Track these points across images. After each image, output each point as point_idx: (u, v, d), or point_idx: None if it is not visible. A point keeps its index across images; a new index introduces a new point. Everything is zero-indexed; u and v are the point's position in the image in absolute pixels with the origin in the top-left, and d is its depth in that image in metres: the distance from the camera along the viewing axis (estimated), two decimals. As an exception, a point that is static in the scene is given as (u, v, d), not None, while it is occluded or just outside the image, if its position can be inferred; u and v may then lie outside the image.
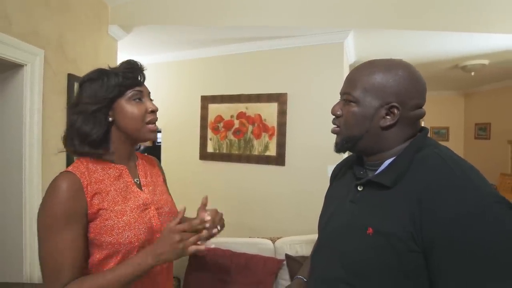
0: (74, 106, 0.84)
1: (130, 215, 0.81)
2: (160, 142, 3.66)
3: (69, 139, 0.83)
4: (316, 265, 0.82)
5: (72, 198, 0.75)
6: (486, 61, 3.45)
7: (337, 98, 0.81)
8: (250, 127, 2.96)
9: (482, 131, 5.33)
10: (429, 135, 0.75)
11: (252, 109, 2.95)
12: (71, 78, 1.95)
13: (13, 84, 1.65)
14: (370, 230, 0.66)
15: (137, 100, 0.86)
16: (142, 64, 0.91)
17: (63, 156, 1.92)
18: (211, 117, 3.14)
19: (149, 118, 0.87)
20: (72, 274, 0.73)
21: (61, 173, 0.79)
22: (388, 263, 0.62)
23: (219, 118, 3.10)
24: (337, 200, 0.82)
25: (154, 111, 0.88)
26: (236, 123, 3.02)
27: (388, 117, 0.70)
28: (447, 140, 5.90)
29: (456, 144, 5.86)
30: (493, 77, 4.53)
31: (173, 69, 3.39)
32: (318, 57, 2.71)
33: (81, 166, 0.81)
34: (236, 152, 3.01)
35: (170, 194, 1.06)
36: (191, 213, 0.98)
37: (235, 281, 1.48)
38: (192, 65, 3.27)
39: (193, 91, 3.26)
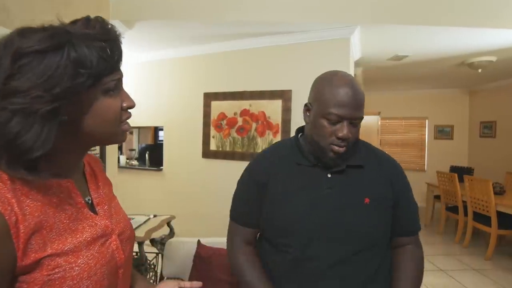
0: (3, 95, 0.46)
1: (87, 255, 0.54)
2: (162, 140, 3.62)
3: None
4: (316, 255, 0.87)
5: None
6: (493, 58, 3.39)
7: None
8: (254, 125, 2.91)
9: (488, 129, 5.27)
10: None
11: (256, 106, 2.90)
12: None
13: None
14: (367, 200, 0.88)
15: (113, 92, 0.55)
16: (117, 28, 0.56)
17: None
18: (214, 115, 3.09)
19: (125, 116, 0.59)
20: None
21: None
22: (384, 218, 0.91)
23: (222, 116, 3.05)
24: (304, 193, 0.90)
25: (131, 107, 0.60)
26: (240, 121, 2.97)
27: None
28: (452, 138, 5.83)
29: (460, 143, 5.80)
30: (499, 75, 4.47)
31: (175, 65, 3.34)
32: (323, 53, 2.66)
33: (2, 188, 0.48)
34: (240, 150, 2.97)
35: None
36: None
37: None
38: (194, 61, 3.22)
39: (195, 88, 3.21)
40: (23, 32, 0.49)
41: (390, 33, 2.70)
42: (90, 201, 0.62)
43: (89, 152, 0.66)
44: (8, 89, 0.46)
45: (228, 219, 1.04)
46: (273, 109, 2.83)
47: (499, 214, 3.33)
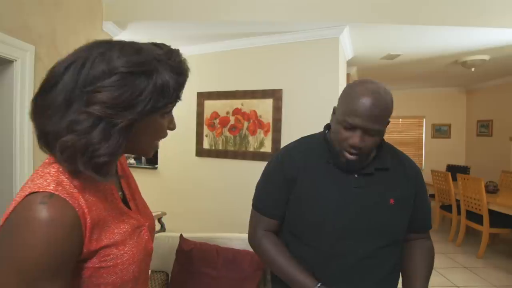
0: (89, 102, 0.51)
1: (131, 244, 0.61)
2: (157, 139, 3.66)
3: (67, 150, 0.50)
4: (345, 250, 0.91)
5: (66, 239, 0.49)
6: (486, 57, 3.39)
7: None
8: (246, 124, 2.95)
9: (484, 128, 5.26)
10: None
11: (248, 105, 2.94)
12: (63, 73, 1.95)
13: (3, 80, 1.65)
14: (392, 201, 0.92)
15: (167, 115, 0.63)
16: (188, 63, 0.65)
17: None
18: (207, 114, 3.14)
19: (164, 134, 0.65)
20: None
21: (40, 196, 0.49)
22: (406, 216, 0.96)
23: (215, 115, 3.09)
24: (334, 191, 0.93)
25: (173, 129, 0.66)
26: (232, 120, 3.01)
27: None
28: (449, 137, 5.83)
29: (458, 141, 5.79)
30: (494, 73, 4.47)
31: (169, 65, 3.39)
32: (313, 53, 2.69)
33: (65, 183, 0.52)
34: (232, 149, 3.01)
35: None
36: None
37: (222, 276, 1.47)
38: (188, 61, 3.26)
39: (189, 87, 3.17)
40: (123, 50, 0.54)
41: (380, 33, 2.72)
42: (122, 196, 0.68)
43: None
44: (96, 98, 0.50)
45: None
46: (264, 108, 2.87)
47: (492, 213, 3.34)
